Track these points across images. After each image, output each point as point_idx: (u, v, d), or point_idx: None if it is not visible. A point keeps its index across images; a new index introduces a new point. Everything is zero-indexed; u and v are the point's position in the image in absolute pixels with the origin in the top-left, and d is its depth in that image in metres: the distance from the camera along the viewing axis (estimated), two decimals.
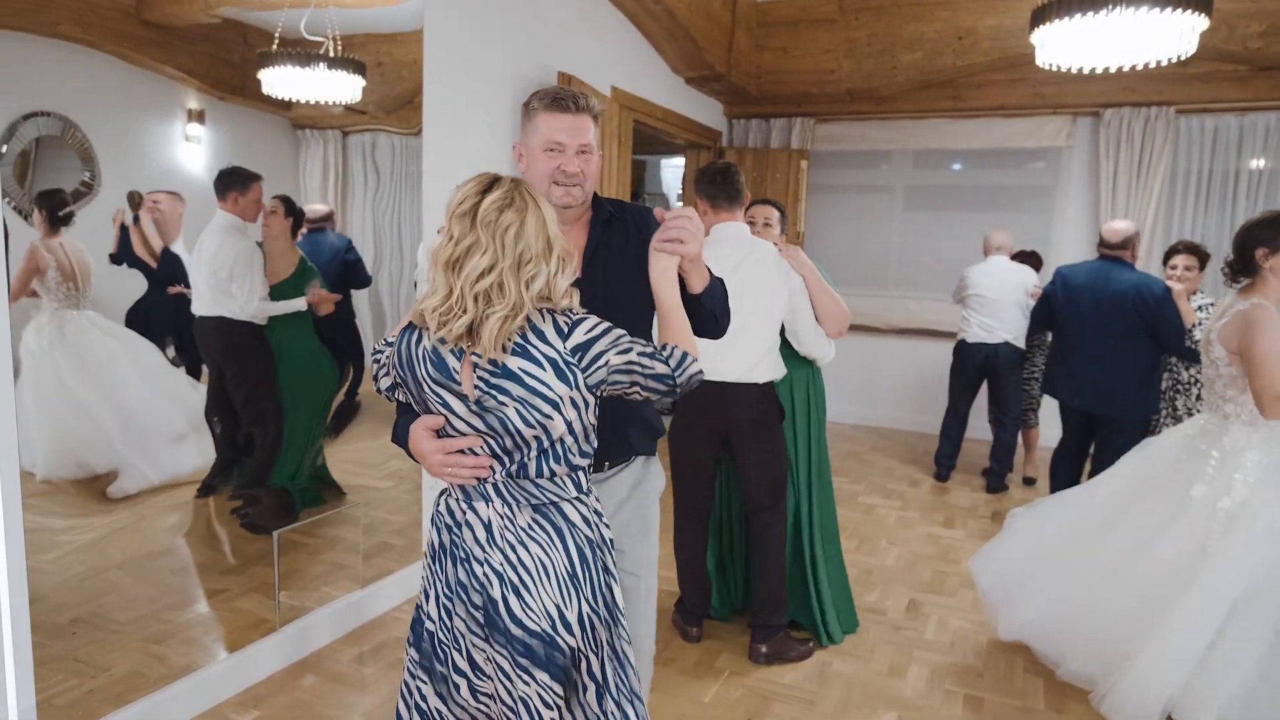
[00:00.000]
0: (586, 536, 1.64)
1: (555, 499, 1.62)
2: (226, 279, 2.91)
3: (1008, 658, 3.25)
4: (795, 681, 3.04)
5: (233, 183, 2.85)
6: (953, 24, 5.94)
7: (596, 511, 1.70)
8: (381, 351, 1.71)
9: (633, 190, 9.92)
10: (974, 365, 5.46)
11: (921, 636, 3.43)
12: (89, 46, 2.36)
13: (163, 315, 2.73)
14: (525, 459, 1.59)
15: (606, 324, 1.59)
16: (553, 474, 1.61)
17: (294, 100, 3.02)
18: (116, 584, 2.52)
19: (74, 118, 2.37)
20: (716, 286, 1.88)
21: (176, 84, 2.63)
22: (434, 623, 1.68)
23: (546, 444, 1.59)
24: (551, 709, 1.58)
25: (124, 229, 2.54)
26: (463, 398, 1.57)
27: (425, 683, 1.70)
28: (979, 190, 7.00)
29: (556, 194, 1.83)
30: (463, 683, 1.66)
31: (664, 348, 1.62)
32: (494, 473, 1.61)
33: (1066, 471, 4.60)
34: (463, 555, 1.63)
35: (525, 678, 1.57)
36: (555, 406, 1.54)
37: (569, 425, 1.58)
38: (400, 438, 1.73)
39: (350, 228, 3.39)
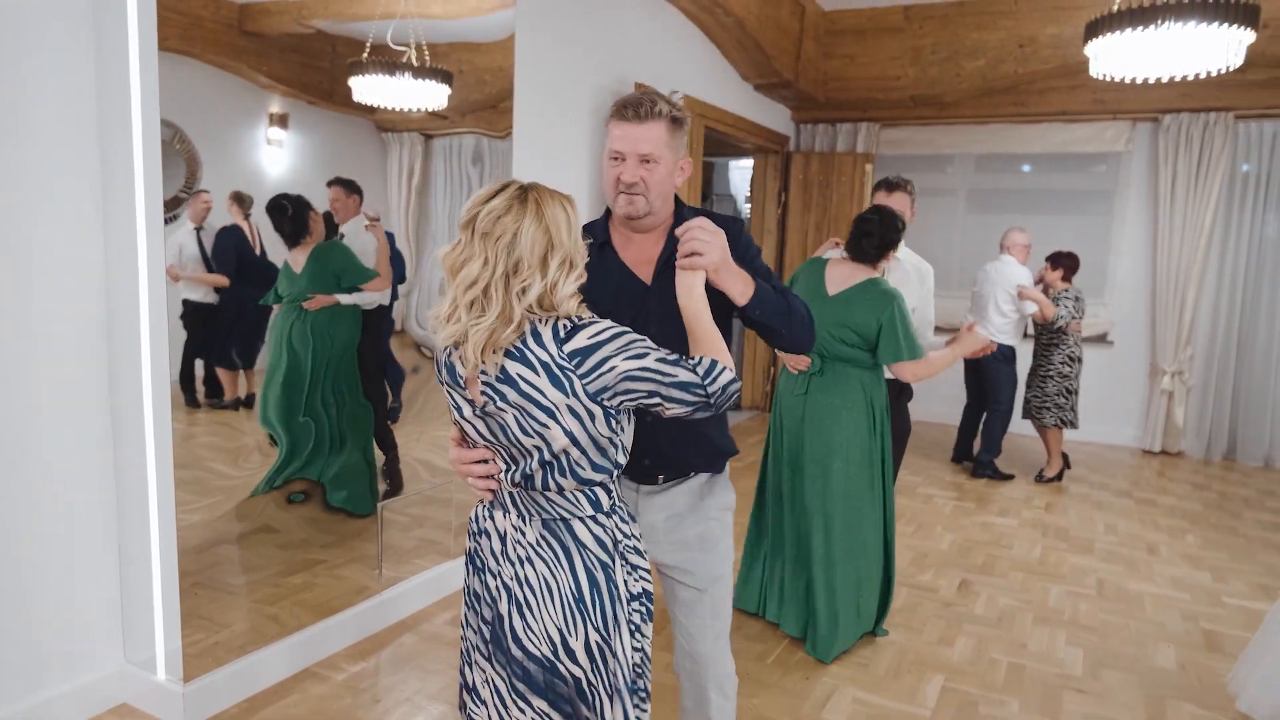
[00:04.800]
0: (599, 560, 1.51)
1: (566, 515, 1.52)
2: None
3: (1051, 631, 3.51)
4: (850, 649, 3.32)
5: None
6: (1015, 32, 6.13)
7: (624, 533, 1.58)
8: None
9: (702, 192, 10.25)
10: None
11: (971, 612, 3.69)
12: (192, 58, 2.52)
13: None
14: (529, 469, 1.49)
15: (618, 329, 1.45)
16: (560, 488, 1.50)
17: (380, 106, 3.20)
18: (228, 556, 2.79)
19: (181, 125, 2.53)
20: (766, 295, 1.75)
21: (267, 91, 2.78)
22: (464, 626, 1.67)
23: (549, 455, 1.47)
24: None
25: (231, 229, 2.77)
26: (471, 403, 1.51)
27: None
28: (1041, 193, 7.16)
29: (620, 203, 1.82)
30: (468, 698, 1.62)
31: (692, 357, 1.50)
32: (504, 483, 1.54)
33: None
34: (479, 565, 1.58)
35: (521, 704, 1.51)
36: (551, 415, 1.43)
37: (570, 436, 1.45)
38: None
39: (434, 225, 3.62)
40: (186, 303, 2.71)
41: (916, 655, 3.28)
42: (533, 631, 1.49)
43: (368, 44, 3.07)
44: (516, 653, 1.49)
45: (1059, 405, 5.65)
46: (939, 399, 7.23)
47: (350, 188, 3.16)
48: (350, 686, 2.88)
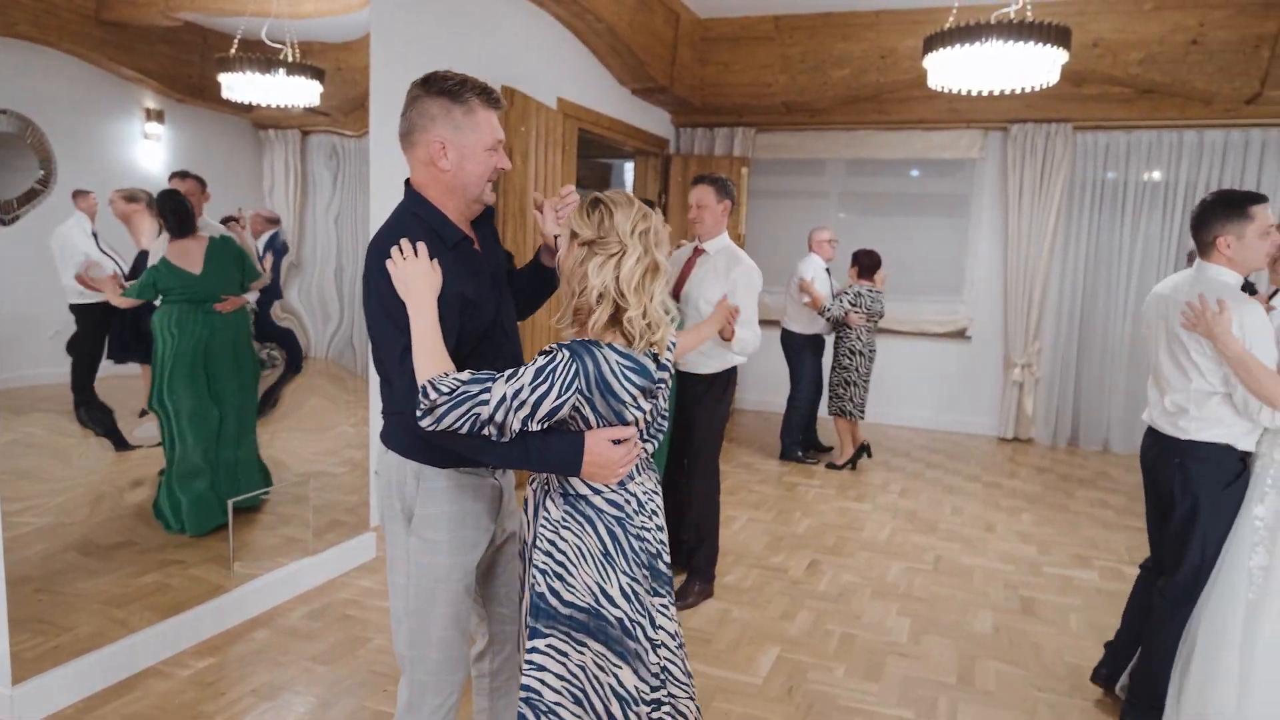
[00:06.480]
0: None
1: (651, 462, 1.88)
2: None
3: (885, 604, 3.76)
4: (698, 625, 3.50)
5: None
6: (876, 44, 6.46)
7: None
8: (522, 397, 1.57)
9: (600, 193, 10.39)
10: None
11: (815, 589, 3.92)
12: (46, 46, 2.39)
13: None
14: (653, 435, 1.81)
15: None
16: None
17: (254, 104, 3.18)
18: (74, 563, 2.74)
19: (33, 117, 2.39)
20: None
21: (133, 84, 2.69)
22: (621, 609, 1.72)
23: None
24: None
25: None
26: (651, 394, 1.73)
27: (620, 667, 1.72)
28: (906, 197, 7.56)
29: (487, 191, 1.77)
30: (654, 644, 1.79)
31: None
32: (646, 452, 1.81)
33: None
34: (634, 532, 1.75)
35: (670, 600, 1.87)
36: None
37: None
38: (568, 457, 1.63)
39: (314, 223, 3.66)
40: (75, 306, 2.69)
41: (758, 629, 3.49)
42: (668, 548, 1.87)
43: (236, 39, 3.04)
44: (664, 569, 1.86)
45: (837, 395, 5.97)
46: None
47: (202, 182, 3.16)
48: (196, 681, 2.90)
